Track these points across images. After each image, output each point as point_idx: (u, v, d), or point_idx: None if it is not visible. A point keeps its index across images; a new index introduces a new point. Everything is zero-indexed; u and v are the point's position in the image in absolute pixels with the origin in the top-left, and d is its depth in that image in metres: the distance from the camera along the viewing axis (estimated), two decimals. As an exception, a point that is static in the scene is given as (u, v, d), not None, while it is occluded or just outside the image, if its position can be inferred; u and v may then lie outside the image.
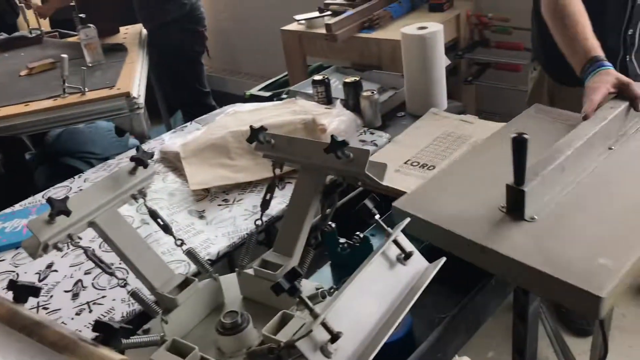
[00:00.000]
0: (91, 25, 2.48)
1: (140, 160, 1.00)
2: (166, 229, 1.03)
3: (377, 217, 0.83)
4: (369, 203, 0.83)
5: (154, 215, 1.04)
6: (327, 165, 0.97)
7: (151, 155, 1.02)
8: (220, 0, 4.08)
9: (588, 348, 1.80)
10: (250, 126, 1.03)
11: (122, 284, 0.96)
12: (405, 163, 1.38)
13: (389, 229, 0.79)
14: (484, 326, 1.19)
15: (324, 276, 1.16)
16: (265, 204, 1.05)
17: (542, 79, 1.86)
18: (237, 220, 1.46)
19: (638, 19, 1.64)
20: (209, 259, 1.34)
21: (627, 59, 1.68)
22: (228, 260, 2.00)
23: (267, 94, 2.90)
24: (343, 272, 1.03)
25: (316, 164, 0.99)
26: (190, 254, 1.03)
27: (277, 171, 1.05)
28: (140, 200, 1.03)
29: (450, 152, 1.39)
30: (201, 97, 3.16)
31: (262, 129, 1.02)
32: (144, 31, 2.97)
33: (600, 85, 1.25)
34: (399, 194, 1.27)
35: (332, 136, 0.93)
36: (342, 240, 1.08)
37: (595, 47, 1.37)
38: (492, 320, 1.26)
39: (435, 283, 1.13)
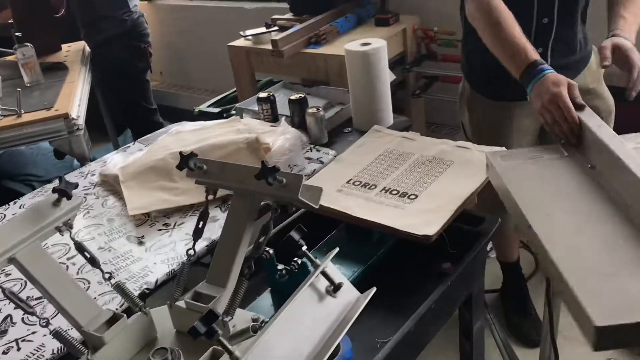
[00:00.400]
0: (29, 44, 2.40)
1: (63, 192, 0.95)
2: (93, 262, 0.99)
3: (304, 248, 0.81)
4: (295, 234, 0.80)
5: (80, 248, 0.99)
6: (261, 190, 0.94)
7: (75, 185, 0.97)
8: (169, 15, 4.02)
9: (537, 358, 1.81)
10: (180, 153, 0.99)
11: (44, 324, 0.91)
12: (348, 182, 1.36)
13: (317, 260, 0.76)
14: (434, 340, 1.18)
15: (264, 303, 1.13)
16: (197, 233, 1.01)
17: (465, 87, 1.88)
18: (178, 245, 1.42)
19: (548, 37, 1.62)
20: (147, 288, 1.30)
21: (540, 51, 1.62)
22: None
23: (217, 110, 2.86)
24: (283, 299, 1.00)
25: (249, 189, 0.96)
26: (119, 288, 0.99)
27: (210, 197, 1.02)
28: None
29: (392, 171, 1.38)
30: (148, 115, 3.10)
31: (192, 155, 0.98)
32: (87, 48, 2.89)
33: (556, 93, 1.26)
34: (340, 215, 1.26)
35: (262, 162, 0.90)
36: (280, 266, 1.05)
37: (532, 50, 1.39)
38: (443, 332, 1.25)
39: (376, 307, 1.12)
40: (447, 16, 2.79)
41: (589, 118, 1.17)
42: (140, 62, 2.95)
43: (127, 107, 3.05)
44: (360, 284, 1.15)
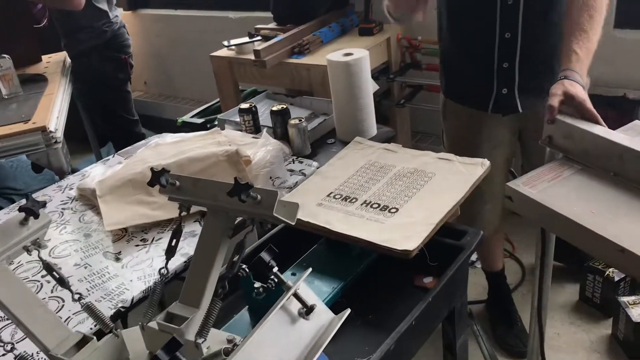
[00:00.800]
0: (6, 55, 2.36)
1: (30, 211, 0.92)
2: (62, 282, 0.95)
3: (275, 269, 0.78)
4: (265, 255, 0.77)
5: (49, 268, 0.95)
6: (234, 207, 0.91)
7: (43, 204, 0.93)
8: (153, 25, 3.99)
9: (524, 371, 1.79)
10: (151, 169, 0.96)
11: (9, 348, 0.87)
12: (328, 196, 1.34)
13: (289, 282, 0.73)
14: (418, 353, 1.15)
15: (241, 322, 1.10)
16: (170, 251, 0.98)
17: (442, 96, 1.90)
18: (155, 261, 1.39)
19: (513, 52, 1.61)
20: (122, 307, 1.26)
21: (504, 92, 1.67)
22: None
23: (200, 120, 2.83)
24: (260, 317, 0.97)
25: (223, 206, 0.93)
26: (89, 309, 0.95)
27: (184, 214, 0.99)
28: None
29: (373, 183, 1.36)
30: (129, 126, 3.06)
31: (164, 171, 0.95)
32: (68, 59, 2.86)
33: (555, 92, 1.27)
34: (320, 230, 1.23)
35: (235, 179, 0.87)
36: (257, 284, 1.02)
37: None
38: (427, 345, 1.23)
39: (356, 324, 1.09)
40: (431, 25, 2.77)
41: (595, 127, 1.16)
42: (121, 73, 2.92)
43: (107, 118, 3.01)
44: (340, 302, 1.14)
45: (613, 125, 1.26)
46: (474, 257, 2.39)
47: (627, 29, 2.38)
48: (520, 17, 1.56)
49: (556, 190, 1.11)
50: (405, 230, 1.16)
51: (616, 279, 2.06)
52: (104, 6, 2.80)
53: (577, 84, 1.29)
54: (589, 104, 1.25)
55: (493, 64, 1.64)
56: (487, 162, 1.35)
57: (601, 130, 1.14)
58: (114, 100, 2.95)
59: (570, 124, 1.18)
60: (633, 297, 1.97)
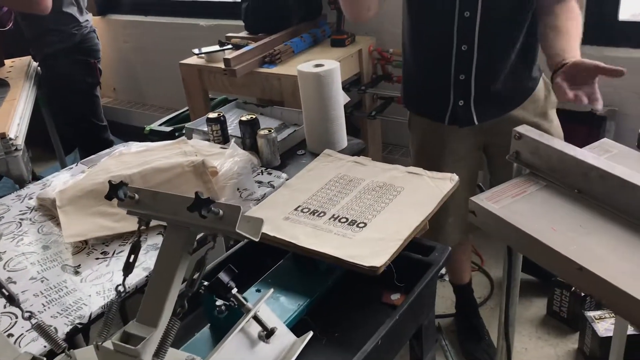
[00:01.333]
0: (-36, 61, 2.29)
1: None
2: (11, 300, 0.91)
3: (234, 291, 0.75)
4: (224, 276, 0.74)
5: (-3, 284, 0.90)
6: (195, 222, 0.88)
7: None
8: (123, 31, 3.92)
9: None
10: (109, 182, 0.92)
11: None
12: (296, 210, 1.31)
13: (248, 304, 0.71)
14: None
15: (202, 340, 1.06)
16: (128, 268, 0.94)
17: (409, 114, 1.92)
18: (115, 275, 1.34)
19: (469, 64, 1.62)
20: (79, 323, 1.21)
21: (461, 103, 1.68)
22: (121, 314, 1.86)
23: (168, 128, 2.79)
24: (222, 336, 0.94)
25: (184, 221, 0.90)
26: (40, 329, 0.91)
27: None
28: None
29: (342, 197, 1.33)
30: (97, 131, 3.00)
31: (122, 184, 0.92)
32: (33, 63, 2.79)
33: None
34: (286, 244, 1.20)
35: (196, 193, 0.84)
36: (219, 302, 0.99)
37: None
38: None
39: (321, 344, 1.07)
40: (403, 38, 2.80)
41: (561, 145, 1.16)
42: (89, 77, 2.86)
43: (75, 124, 2.95)
44: (305, 319, 1.11)
45: (581, 140, 1.26)
46: (443, 269, 2.38)
47: (594, 45, 2.42)
48: (476, 30, 1.57)
49: (519, 206, 1.11)
50: (373, 246, 1.14)
51: (583, 293, 2.08)
52: (72, 11, 2.74)
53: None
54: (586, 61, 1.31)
55: (450, 75, 1.65)
56: (455, 177, 1.34)
57: (567, 147, 1.14)
58: (82, 104, 2.89)
59: (537, 140, 1.17)
60: (599, 312, 1.99)
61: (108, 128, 3.08)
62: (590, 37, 2.41)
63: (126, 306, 1.83)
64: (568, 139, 1.38)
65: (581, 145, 1.23)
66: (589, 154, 1.12)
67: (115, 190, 0.91)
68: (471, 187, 1.84)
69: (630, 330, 1.47)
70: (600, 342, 1.90)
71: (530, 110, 1.73)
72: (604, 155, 1.22)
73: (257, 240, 0.90)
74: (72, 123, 2.97)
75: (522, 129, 1.21)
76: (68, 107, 2.89)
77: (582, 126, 2.39)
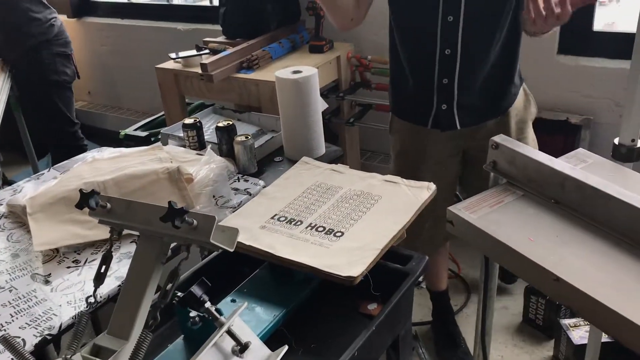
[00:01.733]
0: None
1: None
2: (-24, 313, 0.88)
3: (207, 305, 0.73)
4: (197, 290, 0.73)
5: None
6: (168, 232, 0.87)
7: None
8: (99, 33, 3.87)
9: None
10: (80, 190, 0.90)
11: None
12: (272, 218, 1.30)
13: (222, 318, 0.69)
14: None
15: (176, 352, 1.03)
16: (99, 278, 0.92)
17: (393, 118, 1.93)
18: (87, 285, 1.31)
19: (453, 69, 1.64)
20: (49, 334, 1.18)
21: (444, 107, 1.70)
22: (93, 324, 1.82)
23: (144, 133, 2.75)
24: (196, 348, 0.92)
25: (157, 231, 0.88)
26: (6, 342, 0.88)
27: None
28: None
29: (319, 205, 1.32)
30: (71, 128, 2.99)
31: (93, 192, 0.89)
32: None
33: None
34: (262, 254, 1.19)
35: (169, 203, 0.82)
36: (193, 313, 0.97)
37: None
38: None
39: (297, 355, 1.05)
40: (381, 45, 2.79)
41: (538, 155, 1.16)
42: (69, 69, 2.87)
43: (51, 118, 2.91)
44: (281, 330, 1.10)
45: (557, 149, 1.27)
46: (420, 278, 2.38)
47: (569, 55, 2.45)
48: (460, 35, 1.58)
49: (497, 216, 1.11)
50: (350, 256, 1.13)
51: (559, 303, 2.09)
52: (43, 2, 2.76)
53: None
54: None
55: (433, 79, 1.67)
56: (432, 186, 1.34)
57: (544, 157, 1.14)
58: (59, 98, 2.87)
59: (514, 150, 1.18)
60: (574, 320, 2.00)
61: (80, 127, 3.06)
62: (565, 46, 2.45)
63: (99, 316, 1.79)
64: (544, 147, 1.39)
65: (557, 154, 1.23)
66: (565, 164, 1.13)
67: (87, 199, 0.89)
68: (449, 193, 1.85)
69: (605, 338, 1.47)
70: (575, 349, 1.91)
71: (512, 120, 1.76)
72: (580, 165, 1.23)
73: (232, 250, 0.88)
74: (47, 119, 2.94)
75: (499, 138, 1.21)
76: (48, 101, 2.87)
77: (558, 135, 2.42)
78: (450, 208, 1.15)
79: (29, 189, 1.69)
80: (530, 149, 1.18)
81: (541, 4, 1.32)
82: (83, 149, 3.02)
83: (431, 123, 1.73)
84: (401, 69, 1.77)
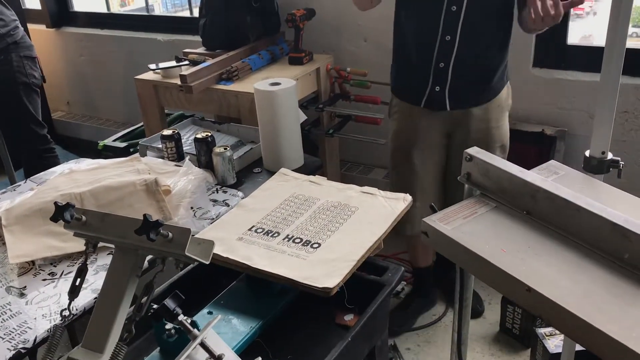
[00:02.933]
0: None
1: None
2: (-52, 326, 0.87)
3: (180, 317, 0.74)
4: (170, 303, 0.73)
5: None
6: (143, 245, 0.87)
7: None
8: (77, 43, 3.85)
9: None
10: (55, 203, 0.90)
11: None
12: (250, 230, 1.30)
13: (195, 331, 0.69)
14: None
15: (151, 364, 1.04)
16: (74, 291, 0.91)
17: (393, 100, 2.07)
18: (63, 297, 1.30)
19: (450, 54, 1.80)
20: (23, 348, 1.17)
21: (437, 89, 1.86)
22: (70, 337, 1.80)
23: (123, 144, 2.74)
24: (172, 359, 0.92)
25: (132, 243, 0.88)
26: (-21, 356, 0.87)
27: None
28: None
29: (297, 217, 1.33)
30: (40, 130, 2.97)
31: (68, 205, 0.89)
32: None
33: None
34: (239, 265, 1.19)
35: (144, 216, 0.82)
36: (168, 325, 0.97)
37: None
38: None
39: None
40: (360, 57, 2.83)
41: (510, 167, 1.18)
42: (36, 72, 2.86)
43: (19, 120, 2.89)
44: (257, 342, 1.10)
45: (532, 160, 1.29)
46: (399, 287, 2.40)
47: (544, 68, 2.49)
48: (460, 23, 1.76)
49: (470, 227, 1.12)
50: (326, 267, 1.14)
51: (532, 313, 2.11)
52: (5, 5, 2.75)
53: None
54: None
55: (431, 63, 1.83)
56: (409, 197, 1.35)
57: (516, 169, 1.17)
58: (29, 100, 2.85)
59: (488, 162, 1.20)
60: (549, 329, 2.02)
61: (47, 130, 3.04)
62: (540, 59, 2.49)
63: (75, 328, 1.78)
64: (519, 158, 1.42)
65: (532, 165, 1.26)
66: (536, 176, 1.15)
67: (62, 212, 0.89)
68: (438, 173, 2.02)
69: (579, 347, 1.50)
70: (550, 358, 1.94)
71: (492, 111, 1.93)
72: (551, 177, 1.25)
73: (207, 263, 0.89)
74: (16, 121, 2.91)
75: (473, 151, 1.23)
76: (18, 104, 2.84)
77: (533, 146, 2.45)
78: (425, 219, 1.17)
79: (4, 201, 1.68)
80: (503, 161, 1.20)
81: (540, 6, 1.52)
82: (52, 152, 3.02)
83: (424, 102, 1.89)
84: (402, 51, 1.93)
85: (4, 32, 2.69)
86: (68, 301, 0.91)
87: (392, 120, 2.06)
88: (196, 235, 0.86)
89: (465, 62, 1.82)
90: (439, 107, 1.89)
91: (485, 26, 1.80)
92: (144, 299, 0.85)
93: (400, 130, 2.02)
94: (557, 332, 2.01)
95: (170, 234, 0.84)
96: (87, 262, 0.94)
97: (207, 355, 0.70)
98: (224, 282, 1.28)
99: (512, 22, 1.84)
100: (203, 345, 0.70)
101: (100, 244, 0.99)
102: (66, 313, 0.92)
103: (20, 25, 2.82)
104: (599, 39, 2.57)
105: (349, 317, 1.18)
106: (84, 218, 0.92)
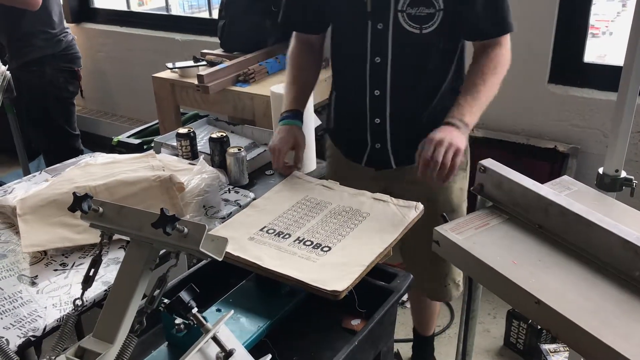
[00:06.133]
0: None
1: None
2: (-37, 309, 0.88)
3: (194, 310, 0.75)
4: (185, 295, 0.74)
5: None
6: (159, 239, 0.88)
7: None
8: (97, 40, 3.89)
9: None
10: (74, 193, 0.91)
11: None
12: (261, 230, 1.31)
13: (208, 324, 0.70)
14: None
15: (159, 358, 1.04)
16: (87, 281, 0.93)
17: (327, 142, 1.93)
18: (73, 288, 1.31)
19: (383, 109, 1.62)
20: (33, 335, 1.18)
21: (377, 146, 1.67)
22: (76, 329, 1.81)
23: (137, 141, 2.76)
24: (180, 354, 0.93)
25: (147, 237, 0.90)
26: (-8, 341, 0.88)
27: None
28: None
29: (308, 220, 1.34)
30: (70, 140, 2.97)
31: (87, 196, 0.91)
32: (2, 68, 2.74)
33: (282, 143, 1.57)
34: (249, 265, 1.20)
35: (161, 209, 0.84)
36: (178, 320, 0.98)
37: (291, 102, 1.67)
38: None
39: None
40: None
41: (524, 180, 1.19)
42: (71, 86, 2.86)
43: (49, 131, 2.90)
44: (264, 342, 1.11)
45: (543, 176, 1.30)
46: (404, 297, 2.39)
47: (559, 84, 2.50)
48: (388, 76, 1.57)
49: (482, 238, 1.13)
50: (336, 271, 1.15)
51: (539, 326, 2.11)
52: (57, 15, 2.74)
53: (453, 130, 1.40)
54: (451, 152, 1.34)
55: (366, 119, 1.65)
56: (420, 206, 1.35)
57: (529, 182, 1.17)
58: (59, 112, 2.86)
59: (501, 174, 1.21)
60: (554, 345, 2.02)
61: (80, 137, 3.05)
62: (556, 77, 2.50)
63: (82, 320, 1.79)
64: (531, 174, 1.42)
65: (544, 180, 1.26)
66: (549, 190, 1.16)
67: (80, 202, 0.90)
68: None
69: (584, 364, 1.50)
70: (554, 375, 1.93)
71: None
72: (564, 192, 1.26)
73: (220, 259, 0.90)
74: (45, 130, 2.93)
75: (487, 162, 1.24)
76: (45, 114, 2.86)
77: (545, 162, 2.45)
78: (437, 229, 1.18)
79: (20, 191, 1.70)
80: (517, 174, 1.21)
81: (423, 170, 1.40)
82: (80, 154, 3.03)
83: (365, 161, 1.71)
84: (339, 104, 1.77)
85: (42, 44, 2.70)
86: (81, 291, 0.92)
87: (327, 163, 1.91)
88: (209, 233, 0.87)
89: (403, 117, 1.62)
90: (384, 166, 1.70)
91: (417, 76, 1.58)
92: (156, 292, 0.86)
93: (334, 176, 1.74)
94: (562, 348, 2.00)
95: (185, 229, 0.85)
96: (101, 254, 0.95)
97: (217, 349, 0.71)
98: (232, 281, 1.28)
99: (459, 71, 1.63)
100: (215, 339, 0.71)
101: (115, 237, 1.00)
102: (79, 302, 0.93)
103: (66, 38, 2.79)
104: (612, 59, 2.56)
105: (356, 322, 1.18)
106: (101, 209, 0.93)
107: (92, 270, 0.93)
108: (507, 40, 1.55)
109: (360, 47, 1.57)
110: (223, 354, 0.72)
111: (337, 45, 1.71)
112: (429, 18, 1.49)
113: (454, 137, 1.38)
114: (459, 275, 1.82)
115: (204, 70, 2.43)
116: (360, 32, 1.56)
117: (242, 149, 1.80)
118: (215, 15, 3.43)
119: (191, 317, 0.77)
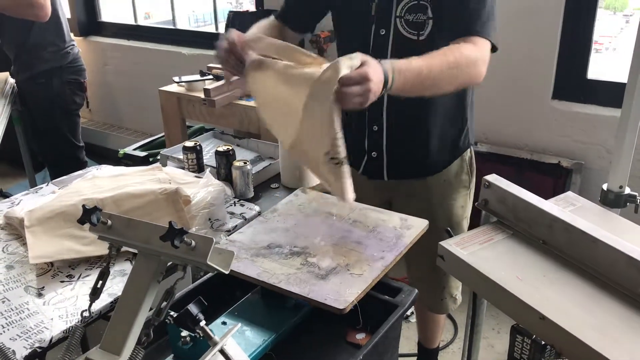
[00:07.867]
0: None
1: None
2: (-28, 320, 0.89)
3: (202, 323, 0.75)
4: (193, 308, 0.75)
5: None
6: (167, 252, 0.89)
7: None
8: (104, 53, 3.93)
9: None
10: (83, 206, 0.92)
11: None
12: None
13: (215, 337, 0.71)
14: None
15: (165, 370, 1.05)
16: (95, 293, 0.94)
17: None
18: (80, 300, 1.32)
19: (380, 116, 1.62)
20: (39, 347, 1.19)
21: (374, 155, 1.68)
22: (81, 340, 1.82)
23: (143, 154, 2.79)
24: (186, 367, 0.94)
25: (155, 249, 0.91)
26: (0, 351, 0.89)
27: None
28: None
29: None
30: (75, 152, 2.98)
31: (96, 209, 0.92)
32: (10, 80, 2.77)
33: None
34: (254, 279, 1.21)
35: (170, 223, 0.85)
36: (184, 333, 0.99)
37: None
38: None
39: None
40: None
41: (528, 196, 1.19)
42: (78, 98, 2.87)
43: (54, 142, 2.92)
44: (269, 355, 1.11)
45: (547, 192, 1.31)
46: (409, 311, 2.39)
47: (563, 100, 2.51)
48: (384, 112, 1.60)
49: (486, 253, 1.14)
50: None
51: (543, 342, 2.11)
52: (65, 27, 2.77)
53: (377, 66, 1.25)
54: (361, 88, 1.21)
55: (365, 125, 1.66)
56: (425, 222, 1.36)
57: (533, 198, 1.18)
58: (65, 124, 2.88)
59: (505, 190, 1.21)
60: (558, 361, 2.02)
61: (84, 149, 3.07)
62: (560, 93, 2.51)
63: (86, 332, 1.80)
64: (535, 189, 1.43)
65: (547, 196, 1.27)
66: (553, 206, 1.17)
67: (89, 215, 0.92)
68: None
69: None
70: (558, 391, 1.93)
71: (435, 184, 1.71)
72: (568, 208, 1.26)
73: (227, 272, 0.90)
74: (51, 142, 2.95)
75: (492, 178, 1.25)
76: (50, 126, 2.88)
77: (549, 178, 2.46)
78: (442, 243, 1.18)
79: (27, 203, 1.71)
80: (521, 190, 1.22)
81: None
82: (83, 167, 3.04)
83: (362, 169, 1.71)
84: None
85: (49, 57, 2.72)
86: (89, 302, 0.93)
87: None
88: (216, 246, 0.88)
89: (398, 149, 1.64)
90: (377, 176, 1.70)
91: (412, 114, 1.59)
92: (164, 304, 0.87)
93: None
94: (566, 365, 1.99)
95: (193, 242, 0.86)
96: (107, 268, 0.96)
97: (226, 361, 0.72)
98: (237, 295, 1.29)
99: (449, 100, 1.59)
100: (222, 352, 0.72)
101: (123, 249, 1.01)
102: (86, 314, 0.94)
103: (72, 50, 2.83)
104: (613, 76, 2.56)
105: (360, 336, 1.18)
106: (109, 222, 0.94)
107: (100, 282, 0.94)
108: (483, 46, 1.41)
109: (363, 53, 1.56)
110: (230, 366, 0.73)
111: (342, 50, 1.71)
112: (423, 25, 1.49)
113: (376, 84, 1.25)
114: (456, 290, 1.83)
115: (210, 85, 2.46)
116: (364, 37, 1.57)
117: (247, 163, 1.82)
118: (221, 29, 3.47)
119: (199, 330, 0.77)
